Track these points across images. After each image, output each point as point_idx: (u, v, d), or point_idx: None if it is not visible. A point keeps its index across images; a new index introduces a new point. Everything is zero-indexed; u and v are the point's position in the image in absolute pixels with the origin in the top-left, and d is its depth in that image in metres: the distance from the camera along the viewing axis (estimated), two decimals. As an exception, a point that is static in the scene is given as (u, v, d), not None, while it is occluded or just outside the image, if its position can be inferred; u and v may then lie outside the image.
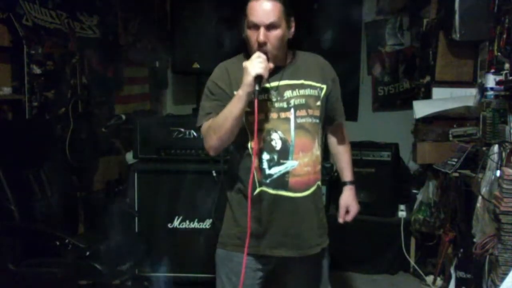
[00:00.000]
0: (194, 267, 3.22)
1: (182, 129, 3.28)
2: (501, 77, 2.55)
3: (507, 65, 2.53)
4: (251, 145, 1.89)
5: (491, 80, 2.68)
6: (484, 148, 2.63)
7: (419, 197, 3.60)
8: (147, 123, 3.36)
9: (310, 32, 4.37)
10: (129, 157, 3.67)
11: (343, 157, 2.22)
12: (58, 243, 2.57)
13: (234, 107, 1.80)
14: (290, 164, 1.89)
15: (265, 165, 1.89)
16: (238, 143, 1.93)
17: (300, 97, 1.92)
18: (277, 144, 1.89)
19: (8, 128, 2.99)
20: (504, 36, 2.54)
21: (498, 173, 2.23)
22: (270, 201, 1.91)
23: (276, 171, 1.90)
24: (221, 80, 1.94)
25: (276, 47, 1.86)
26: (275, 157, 1.89)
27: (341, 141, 2.21)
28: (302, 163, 1.91)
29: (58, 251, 2.58)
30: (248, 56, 1.86)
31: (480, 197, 2.41)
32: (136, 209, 3.27)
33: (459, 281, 2.82)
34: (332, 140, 2.22)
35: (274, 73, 1.90)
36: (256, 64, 1.77)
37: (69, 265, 2.57)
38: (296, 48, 2.03)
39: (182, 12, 4.16)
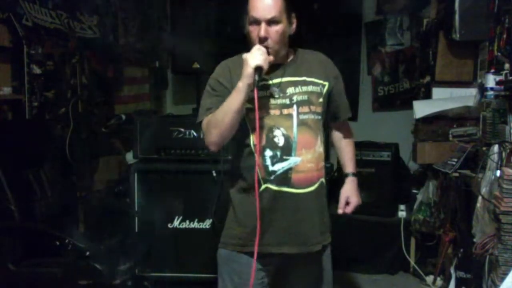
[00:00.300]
0: (194, 267, 3.21)
1: (182, 129, 3.27)
2: (501, 77, 2.55)
3: (507, 65, 2.53)
4: (254, 142, 1.88)
5: (491, 80, 2.68)
6: (484, 148, 2.63)
7: (419, 197, 3.60)
8: (147, 123, 3.35)
9: (310, 32, 4.37)
10: (129, 157, 3.66)
11: (346, 149, 2.21)
12: (58, 243, 2.57)
13: (234, 100, 1.79)
14: (293, 161, 1.89)
15: (268, 161, 1.89)
16: (240, 141, 1.93)
17: (302, 94, 1.92)
18: (279, 140, 1.89)
19: (8, 128, 2.99)
20: (504, 36, 2.54)
21: (498, 173, 2.23)
22: (272, 197, 1.90)
23: (279, 167, 1.89)
24: (223, 77, 1.94)
25: (277, 43, 1.86)
26: (278, 153, 1.89)
27: (345, 135, 2.20)
28: (305, 160, 1.90)
29: (58, 251, 2.58)
30: None
31: (480, 197, 2.41)
32: (136, 209, 3.27)
33: (459, 281, 2.82)
34: (336, 135, 2.21)
35: (276, 69, 1.90)
36: (256, 56, 1.77)
37: (69, 265, 2.57)
38: (298, 46, 2.03)
39: (182, 12, 4.16)
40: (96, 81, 3.99)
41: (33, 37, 3.33)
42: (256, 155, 1.85)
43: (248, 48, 1.92)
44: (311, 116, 1.93)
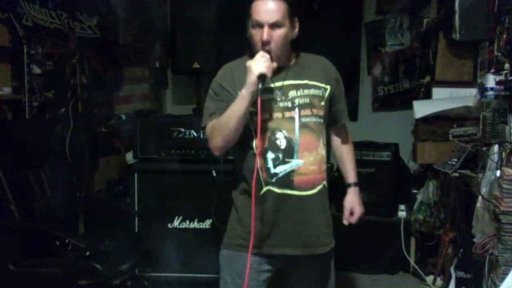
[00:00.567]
0: (194, 267, 3.21)
1: (182, 129, 3.27)
2: (501, 77, 2.55)
3: (507, 65, 2.53)
4: (256, 144, 1.88)
5: (491, 80, 2.69)
6: (484, 148, 2.63)
7: (419, 197, 3.60)
8: (147, 123, 3.36)
9: (310, 32, 4.36)
10: (129, 157, 3.67)
11: (347, 158, 2.21)
12: (58, 243, 2.57)
13: (238, 107, 1.80)
14: (295, 163, 1.89)
15: (270, 164, 1.89)
16: (242, 142, 1.93)
17: (304, 97, 1.93)
18: (281, 143, 1.89)
19: (8, 128, 2.99)
20: (504, 36, 2.54)
21: (498, 173, 2.23)
22: (275, 200, 1.90)
23: (281, 169, 1.90)
24: (225, 81, 1.94)
25: (280, 47, 1.87)
26: (280, 156, 1.89)
27: (344, 142, 2.21)
28: (307, 162, 1.91)
29: (58, 251, 2.58)
30: (252, 56, 1.86)
31: (480, 197, 2.41)
32: (136, 209, 3.27)
33: (459, 281, 2.82)
34: (336, 141, 2.21)
35: (278, 73, 1.90)
36: (260, 63, 1.77)
37: (69, 265, 2.57)
38: (298, 48, 2.03)
39: (182, 12, 4.16)
40: (96, 81, 3.99)
41: (33, 37, 3.33)
42: (257, 157, 1.85)
43: (248, 49, 1.92)
44: (313, 119, 1.93)
